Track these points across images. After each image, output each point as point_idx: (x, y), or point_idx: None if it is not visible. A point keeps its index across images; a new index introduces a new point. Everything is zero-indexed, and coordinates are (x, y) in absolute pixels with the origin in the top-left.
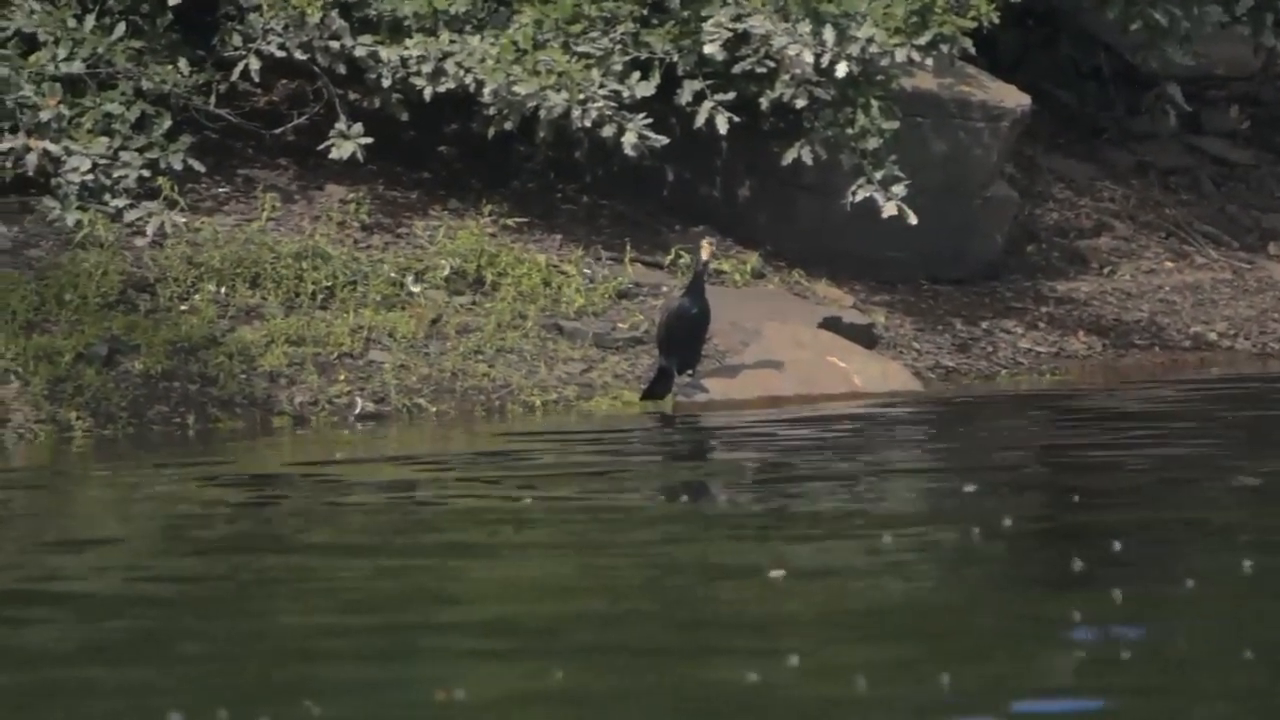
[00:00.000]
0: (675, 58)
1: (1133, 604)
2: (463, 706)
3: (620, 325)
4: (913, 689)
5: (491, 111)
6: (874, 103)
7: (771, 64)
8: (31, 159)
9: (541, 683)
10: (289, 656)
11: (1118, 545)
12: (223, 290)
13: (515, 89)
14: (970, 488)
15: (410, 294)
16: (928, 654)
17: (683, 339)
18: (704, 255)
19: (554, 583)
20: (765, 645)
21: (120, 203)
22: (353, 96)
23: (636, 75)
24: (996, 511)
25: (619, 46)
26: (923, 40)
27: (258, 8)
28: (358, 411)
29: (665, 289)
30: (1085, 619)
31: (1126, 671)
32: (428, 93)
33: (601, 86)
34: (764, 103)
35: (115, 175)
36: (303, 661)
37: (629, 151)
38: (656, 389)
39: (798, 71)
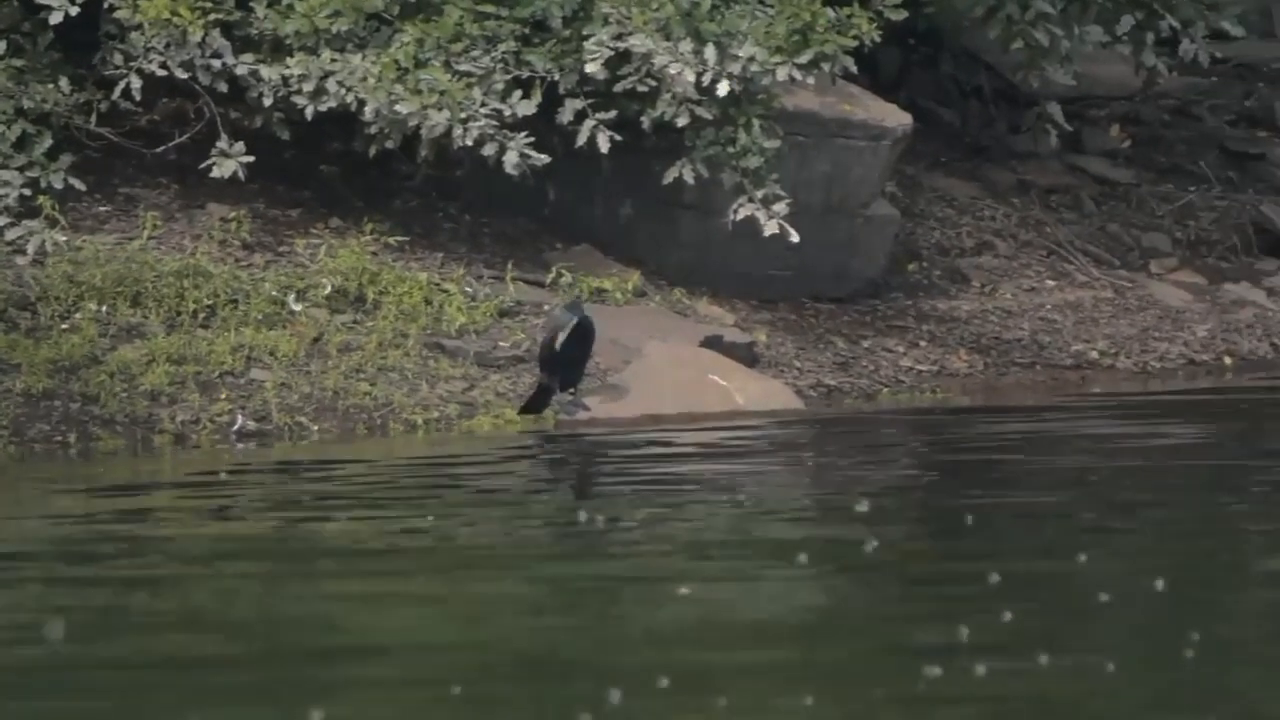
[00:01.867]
0: (556, 76)
1: (1022, 625)
2: None
3: (502, 344)
4: (776, 707)
5: (373, 130)
6: (755, 121)
7: (653, 83)
8: None
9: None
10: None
11: (1018, 564)
12: (104, 309)
13: (397, 108)
14: (862, 507)
15: (292, 312)
16: (801, 673)
17: (573, 357)
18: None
19: (444, 601)
20: (639, 665)
21: (1, 221)
22: (234, 115)
23: (518, 94)
24: (889, 530)
25: (500, 65)
26: (804, 59)
27: (139, 26)
28: (238, 430)
29: (547, 307)
30: (971, 638)
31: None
32: (309, 111)
33: (483, 105)
34: (645, 121)
35: None
36: None
37: (510, 170)
38: (535, 403)
39: (679, 90)
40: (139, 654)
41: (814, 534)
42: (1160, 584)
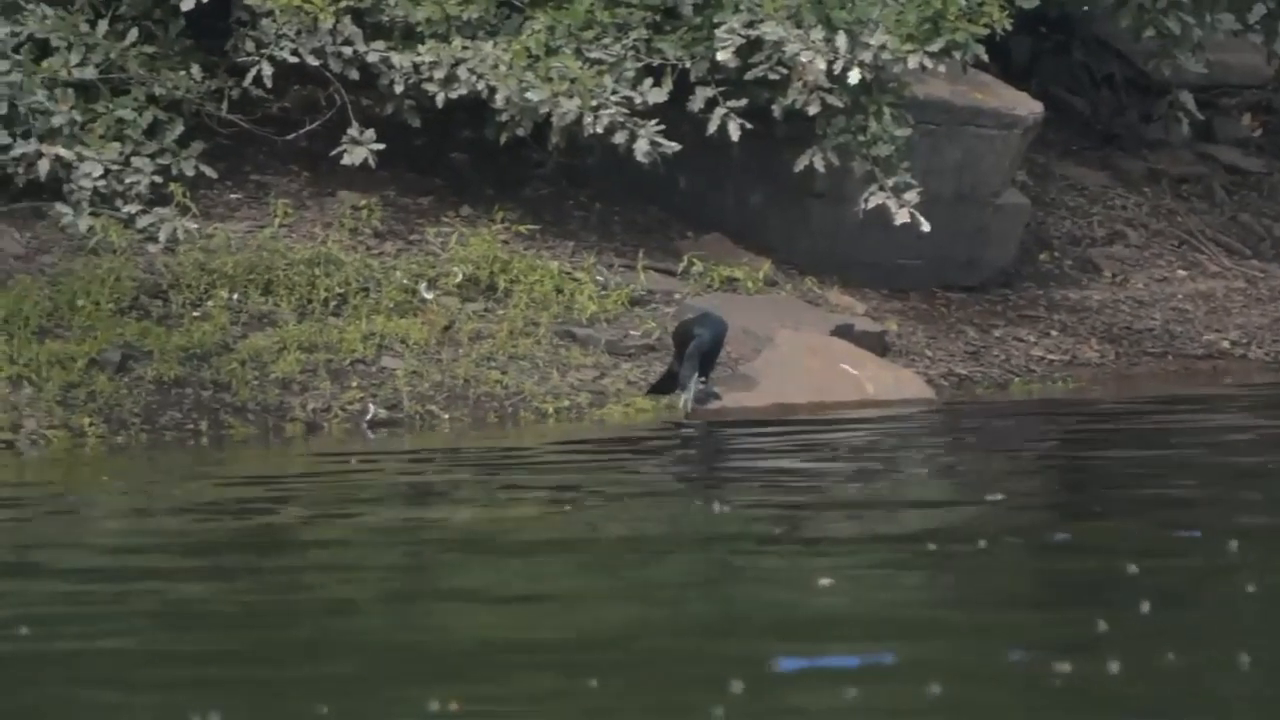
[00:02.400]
0: (687, 64)
1: (1160, 619)
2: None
3: (633, 332)
4: (898, 699)
5: (504, 118)
6: (886, 110)
7: (784, 71)
8: (44, 165)
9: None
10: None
11: (1138, 564)
12: (235, 297)
13: (528, 95)
14: (997, 496)
15: (423, 300)
16: (921, 666)
17: (706, 350)
18: None
19: (583, 593)
20: (763, 655)
21: (132, 209)
22: (365, 102)
23: (649, 82)
24: (1023, 523)
25: (631, 53)
26: (935, 47)
27: (270, 13)
28: (370, 418)
29: (678, 296)
30: (1108, 633)
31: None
32: (440, 99)
33: (614, 93)
34: (776, 110)
35: (127, 181)
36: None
37: (641, 158)
38: (663, 386)
39: (810, 78)
40: (262, 644)
41: (945, 524)
42: None
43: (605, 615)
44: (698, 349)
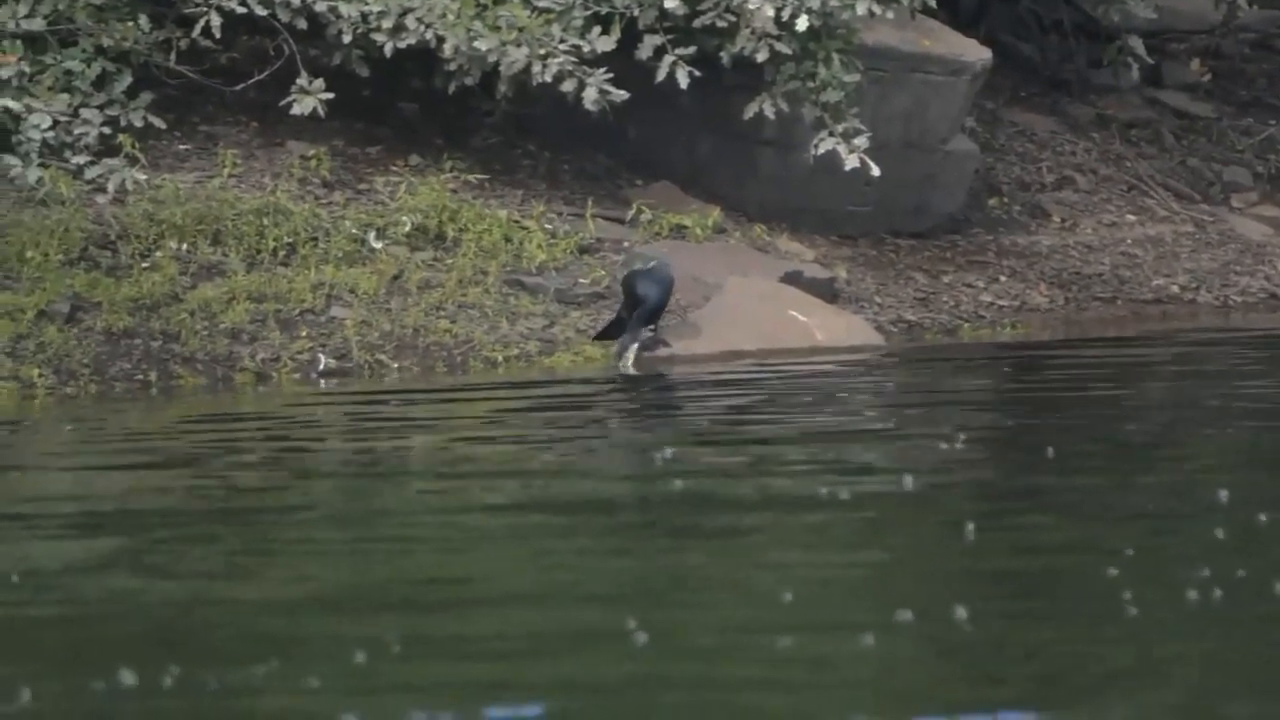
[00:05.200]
0: (635, 12)
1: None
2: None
3: (582, 280)
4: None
5: (452, 67)
6: (835, 56)
7: (732, 18)
8: None
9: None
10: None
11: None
12: (184, 247)
13: (476, 44)
14: (958, 445)
15: (372, 250)
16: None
17: (651, 299)
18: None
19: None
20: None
21: (81, 160)
22: (313, 53)
23: (597, 30)
24: (987, 471)
25: (579, 1)
26: None
27: None
28: (320, 368)
29: (626, 244)
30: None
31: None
32: (388, 48)
33: (562, 41)
34: (725, 57)
35: (76, 132)
36: None
37: (590, 107)
38: (611, 331)
39: (758, 25)
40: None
41: (912, 470)
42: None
43: (526, 556)
44: (643, 314)
